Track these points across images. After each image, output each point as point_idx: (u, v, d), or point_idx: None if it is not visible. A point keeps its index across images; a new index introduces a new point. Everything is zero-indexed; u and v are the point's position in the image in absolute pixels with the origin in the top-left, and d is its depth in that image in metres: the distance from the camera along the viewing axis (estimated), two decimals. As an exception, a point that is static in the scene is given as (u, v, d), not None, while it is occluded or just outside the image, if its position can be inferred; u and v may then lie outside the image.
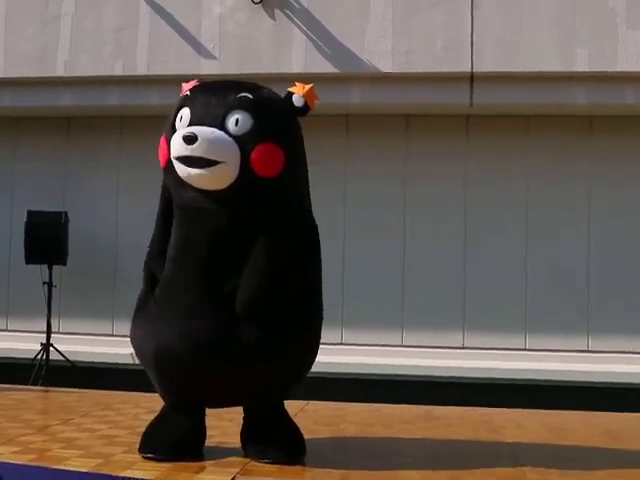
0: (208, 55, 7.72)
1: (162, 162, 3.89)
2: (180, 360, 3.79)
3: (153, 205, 4.32)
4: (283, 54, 7.66)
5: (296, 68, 7.62)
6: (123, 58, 7.90)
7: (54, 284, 8.02)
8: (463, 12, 7.57)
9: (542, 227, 8.01)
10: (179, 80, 7.73)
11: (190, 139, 3.62)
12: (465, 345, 7.91)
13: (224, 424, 4.97)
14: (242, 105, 3.77)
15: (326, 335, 7.83)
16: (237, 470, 3.86)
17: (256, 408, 4.25)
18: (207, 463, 4.01)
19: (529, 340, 7.90)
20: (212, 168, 3.67)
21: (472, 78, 7.59)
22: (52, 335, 8.01)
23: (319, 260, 4.32)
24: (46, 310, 7.98)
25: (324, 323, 7.69)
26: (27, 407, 5.94)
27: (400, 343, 7.96)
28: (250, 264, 3.79)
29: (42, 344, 7.93)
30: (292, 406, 6.06)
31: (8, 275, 8.64)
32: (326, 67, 7.60)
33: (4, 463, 1.54)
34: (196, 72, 7.70)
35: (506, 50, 7.50)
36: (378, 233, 8.12)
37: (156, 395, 6.38)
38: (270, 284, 3.83)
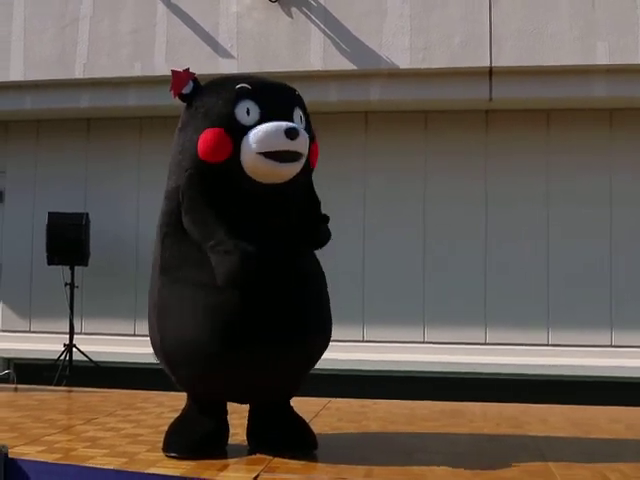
0: (226, 54, 7.73)
1: (221, 156, 3.65)
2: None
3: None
4: (301, 52, 7.65)
5: (314, 66, 7.62)
6: (141, 59, 7.93)
7: (76, 285, 8.06)
8: (481, 6, 7.53)
9: (563, 222, 7.95)
10: (199, 79, 7.87)
11: (294, 134, 3.61)
12: (487, 341, 7.87)
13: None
14: (300, 102, 3.96)
15: (348, 332, 7.93)
16: (261, 468, 3.86)
17: (269, 404, 4.23)
18: (231, 461, 4.01)
19: (552, 335, 7.85)
20: (299, 162, 3.77)
21: (491, 73, 7.55)
22: (75, 336, 8.06)
23: None
24: (68, 311, 8.03)
25: (346, 320, 7.73)
26: (51, 407, 5.97)
27: (422, 339, 7.93)
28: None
29: (65, 345, 7.98)
30: (315, 404, 6.09)
31: (30, 277, 8.70)
32: (344, 64, 7.59)
33: (32, 461, 1.55)
34: (214, 71, 7.70)
35: (525, 44, 7.45)
36: (398, 230, 8.10)
37: (179, 394, 6.41)
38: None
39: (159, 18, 7.92)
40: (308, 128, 3.92)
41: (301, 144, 3.70)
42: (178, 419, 4.22)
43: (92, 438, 4.51)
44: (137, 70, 7.93)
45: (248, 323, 3.73)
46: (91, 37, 8.08)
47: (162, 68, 7.85)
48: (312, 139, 3.93)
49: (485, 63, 7.50)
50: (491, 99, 7.67)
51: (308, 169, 4.01)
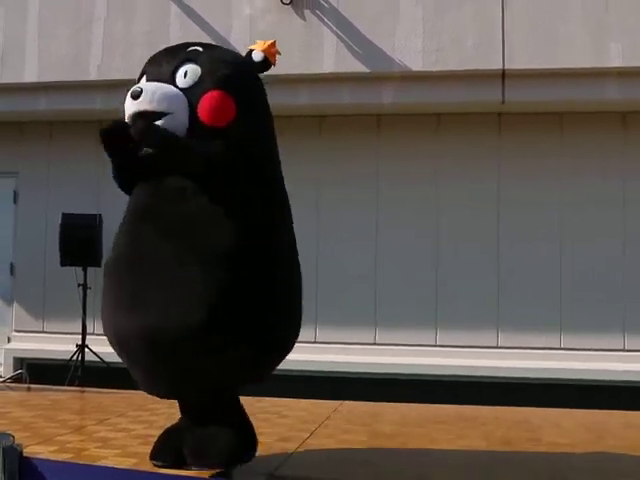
0: (239, 56, 7.73)
1: None
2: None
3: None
4: (314, 54, 7.65)
5: (327, 68, 7.62)
6: (155, 62, 7.94)
7: (89, 286, 8.08)
8: (493, 9, 7.51)
9: (577, 226, 7.92)
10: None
11: (136, 94, 3.50)
12: (500, 345, 7.84)
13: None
14: (191, 58, 3.69)
15: (360, 335, 7.93)
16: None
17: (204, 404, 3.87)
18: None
19: (564, 339, 7.81)
20: (160, 121, 3.49)
21: (504, 75, 7.52)
22: (87, 336, 8.07)
23: (283, 232, 4.06)
24: (81, 312, 8.05)
25: (358, 323, 7.70)
26: (63, 407, 6.00)
27: (434, 343, 7.91)
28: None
29: (77, 345, 8.00)
30: (326, 406, 6.10)
31: (44, 278, 8.73)
32: (357, 67, 7.58)
33: (47, 460, 1.56)
34: (227, 74, 7.76)
35: (538, 46, 7.43)
36: (410, 233, 8.09)
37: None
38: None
39: (172, 19, 7.94)
40: (201, 80, 3.58)
41: (146, 101, 3.48)
42: (167, 428, 4.07)
43: (104, 438, 4.53)
44: (151, 73, 7.94)
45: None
46: (105, 39, 8.11)
47: (175, 70, 7.88)
48: (204, 90, 3.57)
49: (498, 66, 7.48)
50: (504, 102, 7.65)
51: (203, 128, 3.55)
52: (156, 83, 3.59)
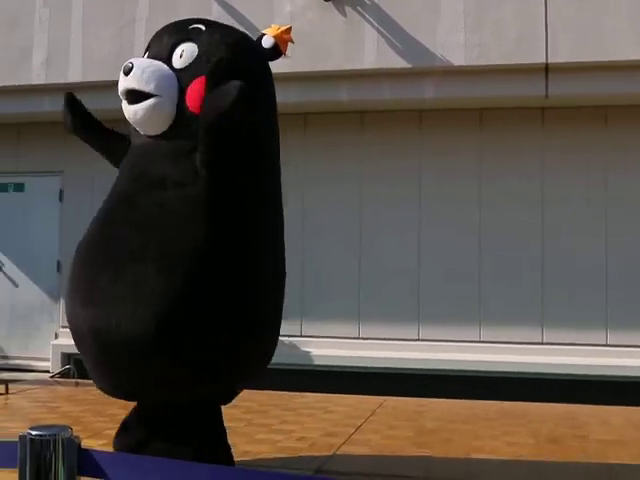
0: (280, 54, 7.74)
1: None
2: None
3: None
4: (355, 51, 7.64)
5: (368, 64, 7.60)
6: (197, 59, 8.00)
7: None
8: (536, 1, 7.43)
9: (621, 222, 7.80)
10: (252, 79, 7.91)
11: (127, 69, 3.33)
12: (544, 341, 7.76)
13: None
14: (191, 36, 3.46)
15: (403, 331, 7.90)
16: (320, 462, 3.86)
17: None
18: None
19: (610, 336, 7.71)
20: (147, 103, 3.32)
21: (547, 69, 7.43)
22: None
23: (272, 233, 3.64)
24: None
25: (401, 319, 7.67)
26: (111, 402, 6.04)
27: (478, 339, 7.86)
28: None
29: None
30: (370, 402, 6.10)
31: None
32: (398, 62, 7.55)
33: (105, 452, 1.58)
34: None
35: (582, 39, 7.33)
36: (453, 228, 8.03)
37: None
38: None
39: (214, 18, 7.95)
40: (196, 62, 3.40)
41: (135, 78, 3.31)
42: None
43: (152, 433, 4.56)
44: (193, 71, 7.99)
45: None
46: (147, 38, 8.15)
47: (217, 68, 7.92)
48: (196, 74, 3.36)
49: (541, 59, 7.39)
50: (547, 96, 7.55)
51: (188, 115, 3.34)
52: (150, 60, 3.41)
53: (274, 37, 3.56)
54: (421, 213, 8.08)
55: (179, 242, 3.18)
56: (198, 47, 3.40)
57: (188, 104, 3.31)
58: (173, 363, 3.17)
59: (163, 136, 3.38)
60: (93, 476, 1.69)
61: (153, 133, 3.41)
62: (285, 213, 8.12)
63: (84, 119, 3.82)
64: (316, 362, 7.95)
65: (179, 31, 3.53)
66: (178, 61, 3.39)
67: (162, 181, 3.31)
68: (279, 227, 3.74)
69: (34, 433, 1.75)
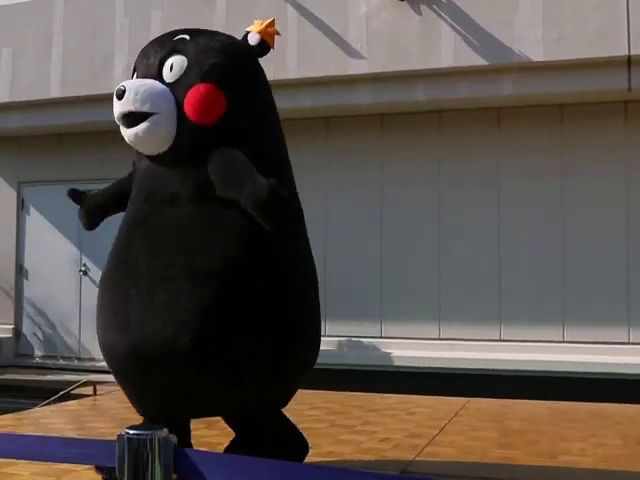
0: (356, 55, 7.76)
1: None
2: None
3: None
4: (431, 49, 7.59)
5: (444, 63, 7.54)
6: (273, 63, 8.05)
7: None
8: (617, -8, 7.25)
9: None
10: (328, 82, 7.94)
11: (119, 93, 3.27)
12: (631, 341, 7.56)
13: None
14: (177, 48, 3.37)
15: (484, 332, 7.81)
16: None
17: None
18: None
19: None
20: (145, 123, 3.24)
21: (629, 62, 7.24)
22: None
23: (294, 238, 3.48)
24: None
25: (483, 320, 7.56)
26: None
27: (561, 339, 7.71)
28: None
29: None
30: (453, 403, 6.04)
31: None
32: (475, 60, 7.47)
33: (201, 451, 1.61)
34: (344, 72, 7.81)
35: (666, 30, 7.12)
36: (535, 231, 7.87)
37: (317, 392, 6.50)
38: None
39: (290, 22, 8.04)
40: (187, 73, 3.30)
41: (129, 100, 3.23)
42: None
43: (236, 434, 4.62)
44: (269, 74, 8.04)
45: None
46: (225, 44, 8.27)
47: (294, 71, 7.98)
48: (190, 84, 3.28)
49: (623, 52, 7.21)
50: (630, 89, 7.36)
51: (191, 128, 3.27)
52: (140, 80, 3.35)
53: (259, 33, 3.48)
54: (500, 215, 7.95)
55: (205, 257, 3.14)
56: (187, 57, 3.33)
57: (188, 115, 3.24)
58: (215, 377, 3.17)
59: (167, 153, 3.32)
60: (188, 475, 1.73)
61: (156, 152, 3.35)
62: (363, 214, 8.12)
63: (97, 208, 3.78)
64: (396, 363, 7.93)
65: (164, 45, 3.42)
66: (169, 75, 3.32)
67: (174, 198, 3.28)
68: (301, 231, 3.66)
69: (132, 432, 1.80)
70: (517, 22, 7.40)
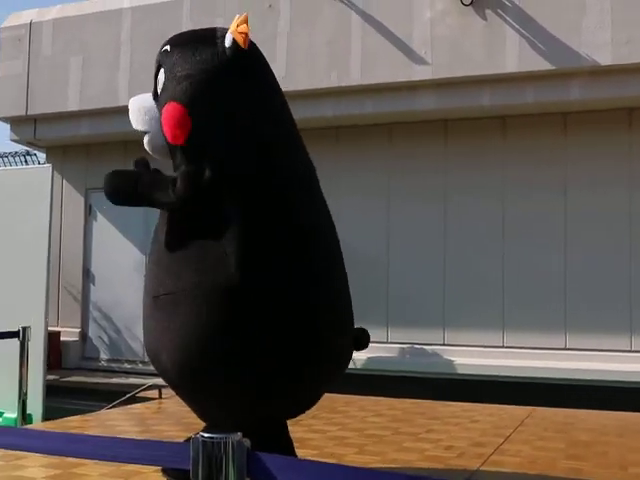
0: (420, 61, 7.73)
1: None
2: None
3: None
4: (496, 54, 7.51)
5: (510, 68, 7.46)
6: (337, 69, 8.09)
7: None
8: (689, -7, 7.08)
9: None
10: (392, 88, 7.93)
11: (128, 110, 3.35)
12: (702, 351, 7.36)
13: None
14: (161, 62, 3.30)
15: (549, 340, 7.68)
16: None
17: None
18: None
19: None
20: (146, 138, 3.30)
21: (703, 63, 7.07)
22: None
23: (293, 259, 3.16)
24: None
25: (548, 328, 7.40)
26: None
27: (629, 348, 7.54)
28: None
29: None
30: (518, 412, 5.96)
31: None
32: (541, 64, 7.37)
33: (273, 456, 1.62)
34: (408, 78, 7.79)
35: None
36: (602, 240, 7.71)
37: (380, 399, 6.49)
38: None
39: (354, 28, 8.05)
40: (163, 89, 3.23)
41: (132, 119, 3.30)
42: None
43: (300, 439, 4.63)
44: (334, 80, 8.09)
45: None
46: (289, 52, 8.34)
47: (357, 77, 7.99)
48: (164, 102, 3.19)
49: (696, 53, 7.04)
50: None
51: (170, 144, 3.23)
52: (140, 96, 3.35)
53: (231, 33, 3.19)
54: (567, 223, 7.81)
55: (209, 273, 3.05)
56: (165, 72, 3.23)
57: (166, 135, 3.20)
58: (213, 399, 3.20)
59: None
60: (261, 479, 1.74)
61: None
62: (426, 221, 8.04)
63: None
64: (459, 371, 7.86)
65: (157, 57, 3.38)
66: (158, 90, 3.29)
67: (166, 216, 3.26)
68: (314, 233, 3.34)
69: (206, 435, 1.83)
70: (585, 25, 7.28)
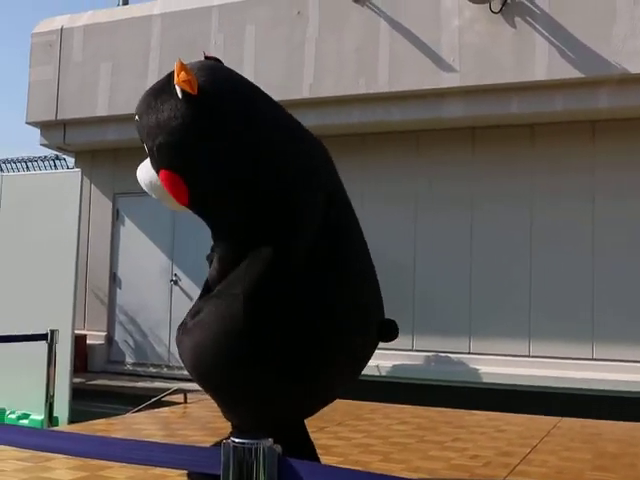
0: (448, 68, 7.72)
1: None
2: None
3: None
4: (525, 62, 7.48)
5: (539, 76, 7.42)
6: (365, 76, 8.10)
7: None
8: None
9: None
10: (419, 95, 7.92)
11: None
12: None
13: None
14: (137, 130, 3.25)
15: (576, 350, 7.62)
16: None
17: None
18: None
19: None
20: (168, 207, 3.38)
21: None
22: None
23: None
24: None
25: (575, 338, 7.32)
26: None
27: (658, 359, 7.46)
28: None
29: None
30: (544, 422, 5.91)
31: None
32: (571, 72, 7.32)
33: (304, 462, 1.62)
34: (436, 86, 7.78)
35: None
36: (629, 248, 7.66)
37: (404, 406, 6.47)
38: None
39: (382, 35, 8.05)
40: (151, 155, 3.22)
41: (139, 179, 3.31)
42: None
43: (325, 446, 4.63)
44: (361, 87, 8.09)
45: None
46: (317, 59, 8.36)
47: (385, 84, 7.99)
48: (156, 171, 3.20)
49: None
50: None
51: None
52: (143, 167, 3.30)
53: (178, 85, 3.00)
54: (595, 232, 7.74)
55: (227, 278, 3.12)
56: (143, 140, 3.21)
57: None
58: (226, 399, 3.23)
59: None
60: (292, 485, 1.74)
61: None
62: (453, 229, 7.99)
63: None
64: (485, 380, 7.81)
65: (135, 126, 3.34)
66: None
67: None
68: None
69: (237, 441, 1.83)
70: (615, 33, 7.23)
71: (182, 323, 3.26)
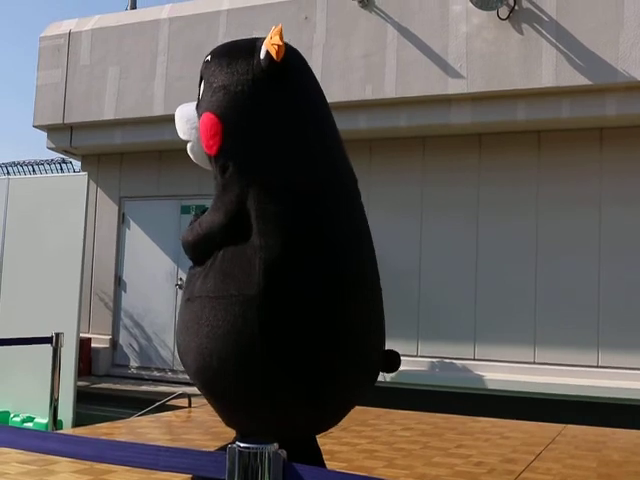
0: (455, 75, 7.71)
1: None
2: None
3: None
4: (532, 69, 7.47)
5: (546, 82, 7.41)
6: (372, 82, 8.10)
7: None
8: None
9: None
10: (427, 101, 7.92)
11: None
12: None
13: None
14: (202, 72, 3.32)
15: (581, 357, 7.60)
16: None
17: None
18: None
19: None
20: (189, 145, 3.30)
21: None
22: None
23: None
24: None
25: (579, 345, 7.34)
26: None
27: (664, 367, 7.43)
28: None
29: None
30: (549, 429, 5.90)
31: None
32: (578, 79, 7.31)
33: (310, 467, 1.61)
34: (443, 92, 7.78)
35: None
36: (636, 256, 7.63)
37: (410, 412, 6.46)
38: None
39: (389, 41, 8.05)
40: (200, 99, 3.26)
41: (177, 129, 3.33)
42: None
43: (330, 451, 4.63)
44: (368, 93, 8.10)
45: None
46: (324, 64, 8.36)
47: (392, 91, 7.99)
48: (201, 112, 3.21)
49: None
50: None
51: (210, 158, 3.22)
52: (185, 106, 3.37)
53: (265, 45, 3.08)
54: (601, 239, 7.73)
55: (235, 279, 3.03)
56: (204, 81, 3.26)
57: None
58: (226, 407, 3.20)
59: None
60: (297, 490, 1.73)
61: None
62: (459, 234, 7.97)
63: None
64: (489, 386, 7.79)
65: (201, 66, 3.37)
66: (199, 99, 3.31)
67: None
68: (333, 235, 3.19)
69: (242, 445, 1.83)
70: (622, 40, 7.22)
71: (187, 299, 3.28)
